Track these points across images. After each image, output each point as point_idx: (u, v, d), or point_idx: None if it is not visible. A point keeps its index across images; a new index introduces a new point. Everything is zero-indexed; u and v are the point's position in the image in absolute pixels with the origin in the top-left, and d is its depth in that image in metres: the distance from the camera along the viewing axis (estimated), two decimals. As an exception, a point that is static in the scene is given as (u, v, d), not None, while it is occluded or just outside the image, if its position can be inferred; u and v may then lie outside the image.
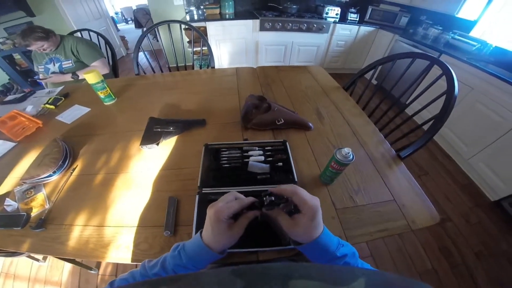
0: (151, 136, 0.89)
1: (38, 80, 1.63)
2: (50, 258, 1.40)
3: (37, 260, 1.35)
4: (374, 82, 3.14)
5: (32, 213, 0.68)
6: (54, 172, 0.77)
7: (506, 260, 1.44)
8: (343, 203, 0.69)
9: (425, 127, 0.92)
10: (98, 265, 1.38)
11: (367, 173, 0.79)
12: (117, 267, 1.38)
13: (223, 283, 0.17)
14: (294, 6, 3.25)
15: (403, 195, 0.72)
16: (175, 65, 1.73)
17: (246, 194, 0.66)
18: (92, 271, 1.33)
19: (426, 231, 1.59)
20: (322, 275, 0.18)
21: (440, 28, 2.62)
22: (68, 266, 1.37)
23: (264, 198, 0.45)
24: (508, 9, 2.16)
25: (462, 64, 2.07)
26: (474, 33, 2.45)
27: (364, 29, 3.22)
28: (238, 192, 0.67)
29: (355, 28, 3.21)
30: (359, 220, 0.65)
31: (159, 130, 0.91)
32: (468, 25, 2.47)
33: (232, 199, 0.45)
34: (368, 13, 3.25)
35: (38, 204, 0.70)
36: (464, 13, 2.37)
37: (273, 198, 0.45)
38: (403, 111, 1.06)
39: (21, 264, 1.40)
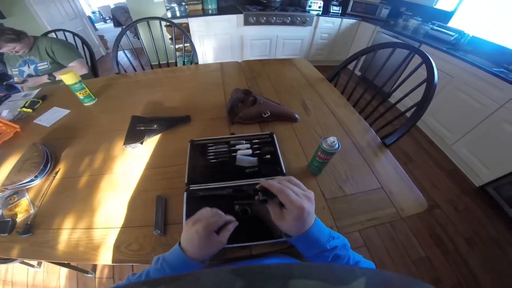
0: (134, 135, 0.87)
1: (13, 84, 1.55)
2: (45, 264, 1.38)
3: (32, 266, 1.33)
4: (358, 73, 3.19)
5: (17, 219, 0.66)
6: (36, 177, 0.75)
7: (496, 246, 1.49)
8: (332, 193, 0.70)
9: (408, 114, 0.95)
10: (94, 268, 1.36)
11: (354, 162, 0.80)
12: (113, 269, 1.36)
13: (223, 282, 0.17)
14: (278, 0, 3.23)
15: (390, 183, 0.73)
16: (157, 63, 1.68)
17: (235, 188, 0.67)
18: (88, 275, 1.31)
19: (416, 219, 1.62)
20: (322, 275, 0.18)
21: (420, 19, 2.68)
22: (64, 270, 1.36)
23: (256, 197, 0.45)
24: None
25: (441, 54, 2.14)
26: (452, 23, 2.53)
27: (347, 21, 3.26)
28: (228, 186, 0.68)
29: (337, 20, 3.24)
30: (349, 209, 0.66)
31: (143, 128, 0.89)
32: (446, 16, 2.55)
33: (212, 214, 0.46)
34: (350, 6, 3.28)
35: (23, 209, 0.69)
36: (442, 4, 2.46)
37: (265, 198, 0.45)
38: (386, 100, 1.08)
39: (17, 270, 1.38)
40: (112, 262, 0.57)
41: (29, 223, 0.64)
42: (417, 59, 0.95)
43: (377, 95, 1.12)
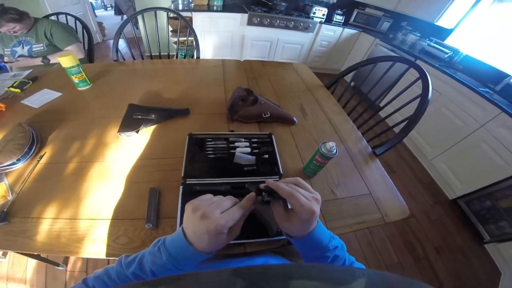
0: (130, 123, 0.84)
1: (2, 64, 1.49)
2: (11, 254, 1.28)
3: (-4, 256, 1.23)
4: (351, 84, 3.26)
5: (-9, 205, 0.60)
6: (19, 160, 0.69)
7: (461, 254, 1.60)
8: (324, 196, 0.71)
9: (396, 128, 0.99)
10: (66, 260, 1.27)
11: (346, 167, 0.83)
12: (87, 262, 1.29)
13: (223, 282, 0.17)
14: (283, 4, 3.26)
15: (377, 190, 0.76)
16: (154, 54, 1.66)
17: (233, 185, 0.66)
18: (59, 267, 1.23)
19: (393, 226, 1.69)
20: (322, 275, 0.18)
21: (419, 34, 2.76)
22: (32, 262, 1.25)
23: (260, 197, 0.42)
24: (484, 20, 2.32)
25: (433, 70, 2.20)
26: (449, 41, 2.61)
27: (348, 31, 3.32)
28: (226, 183, 0.67)
29: (339, 29, 3.29)
30: (339, 212, 0.68)
31: (140, 117, 0.87)
32: (444, 33, 2.63)
33: (229, 205, 0.40)
34: (353, 16, 3.35)
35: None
36: (443, 21, 2.51)
37: (270, 199, 0.42)
38: (377, 114, 1.11)
39: (-23, 261, 1.26)
40: (97, 256, 0.54)
41: (5, 210, 0.59)
42: (410, 75, 0.97)
43: (369, 109, 1.15)
